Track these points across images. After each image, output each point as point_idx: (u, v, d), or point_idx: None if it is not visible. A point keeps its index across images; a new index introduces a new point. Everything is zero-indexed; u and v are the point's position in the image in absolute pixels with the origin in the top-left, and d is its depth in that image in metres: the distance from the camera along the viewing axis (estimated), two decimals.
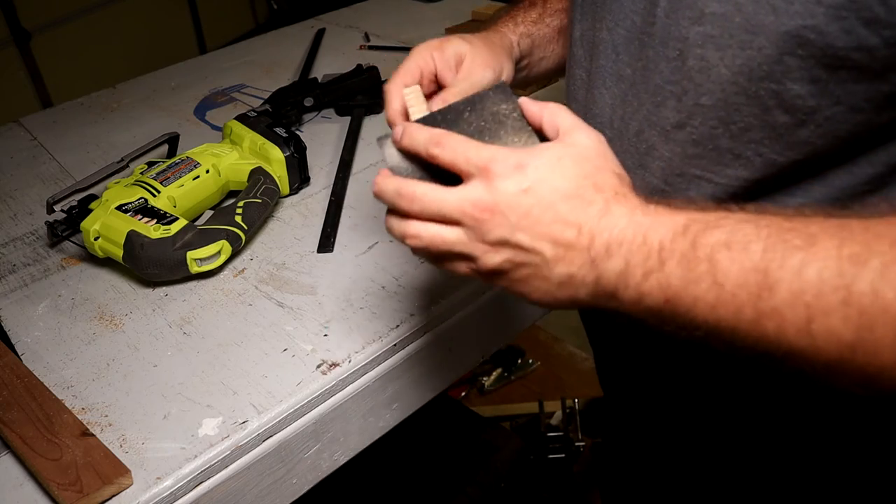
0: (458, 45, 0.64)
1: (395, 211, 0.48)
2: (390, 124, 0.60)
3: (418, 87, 0.61)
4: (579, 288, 0.44)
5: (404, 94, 0.60)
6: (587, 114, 0.57)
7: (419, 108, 0.59)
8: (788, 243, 0.37)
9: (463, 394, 1.84)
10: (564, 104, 0.57)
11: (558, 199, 0.43)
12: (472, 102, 0.49)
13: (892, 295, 0.34)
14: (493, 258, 0.44)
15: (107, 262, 0.79)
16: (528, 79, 0.74)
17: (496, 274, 0.46)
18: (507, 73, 0.66)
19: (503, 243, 0.44)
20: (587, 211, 0.43)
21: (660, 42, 0.48)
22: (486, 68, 0.62)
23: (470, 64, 0.62)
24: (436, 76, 0.63)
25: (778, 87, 0.43)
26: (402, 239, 0.47)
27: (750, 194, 0.49)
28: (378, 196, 0.48)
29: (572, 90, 0.61)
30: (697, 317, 0.40)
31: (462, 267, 0.47)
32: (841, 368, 0.36)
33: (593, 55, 0.55)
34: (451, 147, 0.46)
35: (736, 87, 0.44)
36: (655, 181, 0.52)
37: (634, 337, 0.63)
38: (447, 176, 0.47)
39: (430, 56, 0.63)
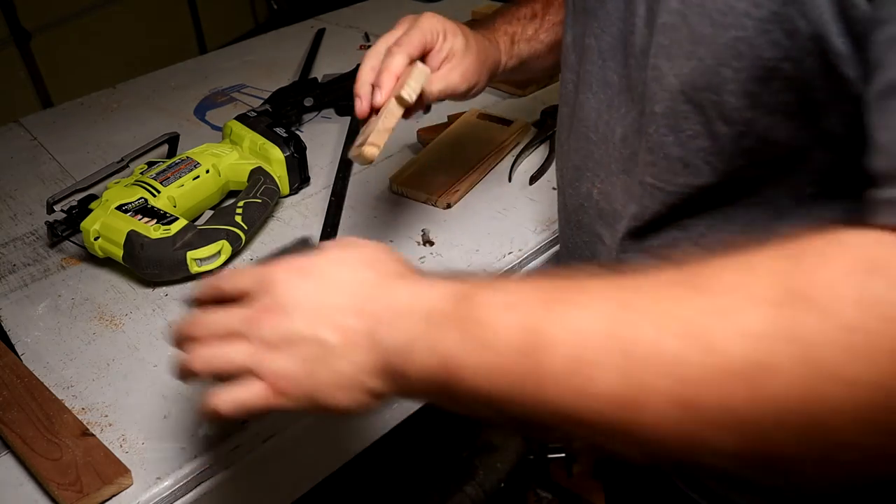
0: (456, 42, 0.65)
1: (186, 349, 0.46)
2: (357, 93, 0.64)
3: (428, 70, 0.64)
4: (372, 376, 0.40)
5: (418, 68, 0.63)
6: (574, 118, 0.58)
7: (416, 83, 0.63)
8: (567, 302, 0.35)
9: None
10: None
11: (340, 288, 0.42)
12: (275, 255, 0.50)
13: (670, 342, 0.31)
14: (277, 359, 0.41)
15: (107, 262, 0.79)
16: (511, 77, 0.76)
17: (287, 378, 0.42)
18: (477, 88, 0.70)
19: (285, 339, 0.41)
20: (369, 294, 0.41)
21: (639, 51, 0.49)
22: (463, 80, 0.67)
23: (454, 67, 0.66)
24: (425, 52, 0.66)
25: (717, 99, 0.44)
26: (186, 372, 0.46)
27: (700, 199, 0.49)
28: (175, 338, 0.48)
29: (563, 94, 0.62)
30: (480, 388, 0.36)
31: (254, 388, 0.43)
32: (619, 432, 0.33)
33: (581, 60, 0.56)
34: (234, 275, 0.45)
35: (683, 96, 0.45)
36: (635, 187, 0.53)
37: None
38: None
39: (436, 35, 0.65)
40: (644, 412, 0.32)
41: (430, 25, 0.66)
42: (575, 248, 0.63)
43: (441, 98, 0.67)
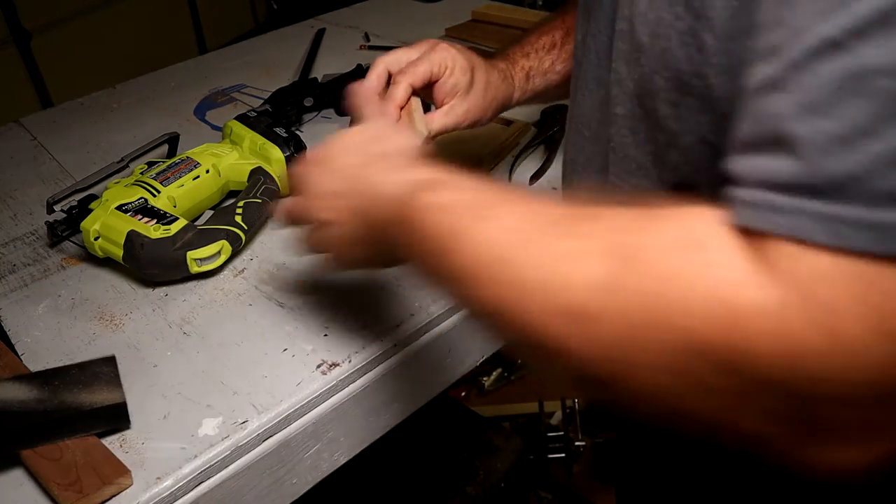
0: (462, 80, 0.68)
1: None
2: (358, 105, 0.66)
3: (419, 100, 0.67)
4: (371, 238, 0.51)
5: (412, 100, 0.66)
6: (572, 114, 0.60)
7: (420, 123, 0.66)
8: (485, 218, 0.40)
9: (463, 394, 1.84)
10: None
11: (341, 174, 0.53)
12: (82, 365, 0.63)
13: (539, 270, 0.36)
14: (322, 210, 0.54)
15: (107, 262, 0.79)
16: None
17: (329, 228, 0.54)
18: (480, 124, 0.71)
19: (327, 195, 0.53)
20: (356, 177, 0.51)
21: (627, 50, 0.50)
22: (465, 118, 0.69)
23: (457, 104, 0.68)
24: (430, 83, 0.68)
25: (653, 105, 0.45)
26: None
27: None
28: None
29: (571, 91, 0.62)
30: (420, 269, 0.45)
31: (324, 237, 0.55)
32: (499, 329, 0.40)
33: (582, 60, 0.58)
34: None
35: (637, 100, 0.47)
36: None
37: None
38: None
39: (443, 69, 0.67)
40: (514, 326, 0.38)
41: (441, 58, 0.67)
42: None
43: (440, 134, 0.69)
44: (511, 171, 0.91)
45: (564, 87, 0.76)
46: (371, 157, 0.52)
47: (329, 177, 0.53)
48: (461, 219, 0.41)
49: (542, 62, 0.73)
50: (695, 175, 0.46)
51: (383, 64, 0.68)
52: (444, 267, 0.41)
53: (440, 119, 0.68)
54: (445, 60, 0.67)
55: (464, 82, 0.67)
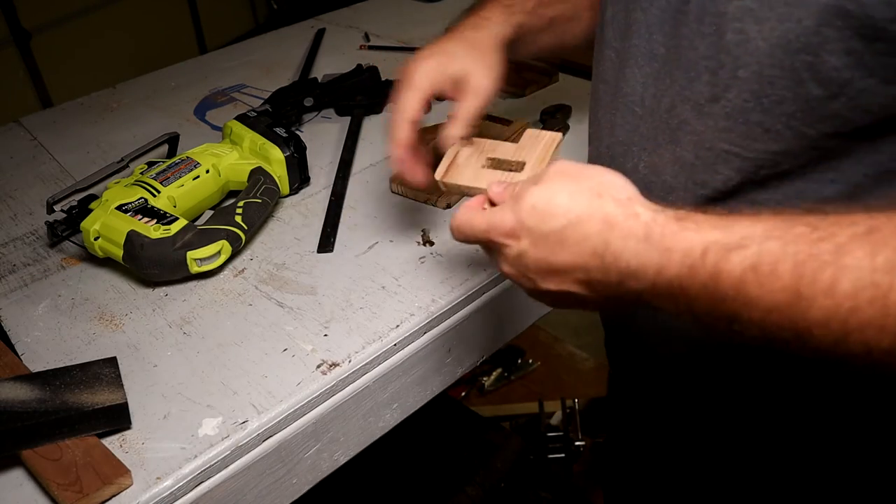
0: (457, 66, 0.66)
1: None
2: (395, 158, 0.67)
3: (466, 143, 0.66)
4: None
5: (452, 150, 0.66)
6: (617, 93, 0.58)
7: (473, 170, 0.65)
8: (818, 259, 0.37)
9: (463, 394, 1.84)
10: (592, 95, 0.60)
11: (577, 245, 0.46)
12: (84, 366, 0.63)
13: None
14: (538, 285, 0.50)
15: (107, 262, 0.79)
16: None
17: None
18: (497, 71, 0.68)
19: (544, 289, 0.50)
20: (601, 254, 0.45)
21: (695, 19, 0.49)
22: (485, 78, 0.66)
23: (475, 79, 0.66)
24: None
25: (814, 60, 0.43)
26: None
27: (777, 169, 0.49)
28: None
29: (601, 71, 0.61)
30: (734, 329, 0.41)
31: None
32: (881, 367, 0.37)
33: (626, 35, 0.56)
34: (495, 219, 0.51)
35: (772, 59, 0.45)
36: (686, 155, 0.52)
37: (650, 340, 0.63)
38: None
39: (431, 84, 0.66)
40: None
41: (420, 83, 0.67)
42: None
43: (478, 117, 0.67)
44: None
45: (550, 39, 0.74)
46: (598, 223, 0.46)
47: (559, 249, 0.47)
48: (793, 274, 0.38)
49: (524, 2, 0.71)
50: (856, 127, 0.44)
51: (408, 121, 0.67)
52: (786, 332, 0.39)
53: (469, 103, 0.66)
54: (429, 73, 0.67)
55: (458, 65, 0.66)
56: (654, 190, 0.56)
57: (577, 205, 0.46)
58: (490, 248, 0.52)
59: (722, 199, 0.51)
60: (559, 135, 0.64)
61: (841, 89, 0.43)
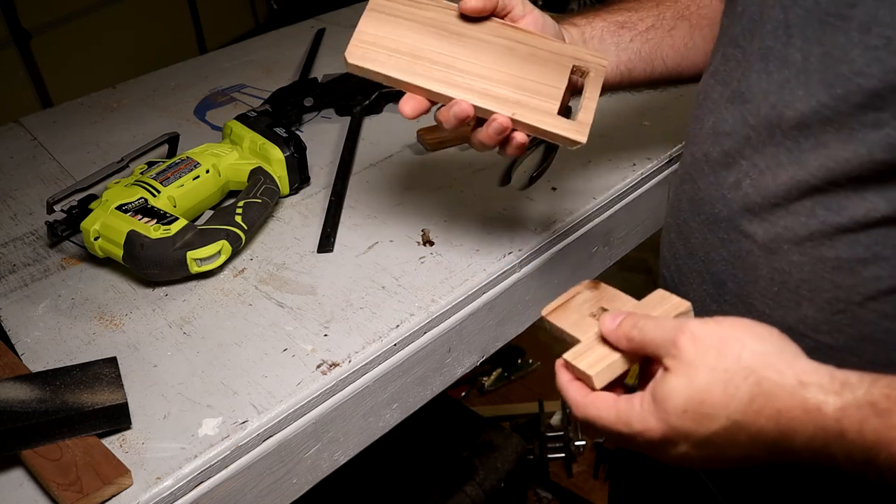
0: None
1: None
2: None
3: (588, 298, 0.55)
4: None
5: (573, 290, 0.56)
6: (734, 97, 0.52)
7: (580, 315, 0.55)
8: None
9: (463, 394, 1.84)
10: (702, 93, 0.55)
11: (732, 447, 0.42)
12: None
13: None
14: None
15: (107, 262, 0.79)
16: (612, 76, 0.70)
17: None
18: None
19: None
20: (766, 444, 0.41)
21: (858, 27, 0.43)
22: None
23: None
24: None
25: None
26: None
27: None
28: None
29: (717, 69, 0.56)
30: None
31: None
32: None
33: (756, 34, 0.50)
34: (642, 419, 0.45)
35: None
36: (813, 181, 0.47)
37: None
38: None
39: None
40: None
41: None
42: (699, 246, 0.57)
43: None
44: (511, 171, 0.91)
45: (632, 42, 0.69)
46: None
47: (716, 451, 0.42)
48: None
49: (582, 17, 0.68)
50: None
51: None
52: None
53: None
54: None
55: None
56: (753, 209, 0.51)
57: (737, 402, 0.40)
58: (635, 446, 0.46)
59: (851, 231, 0.46)
60: (689, 304, 0.51)
61: None
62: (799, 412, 0.38)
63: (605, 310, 0.54)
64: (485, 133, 0.59)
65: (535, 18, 0.62)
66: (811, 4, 0.46)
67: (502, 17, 0.62)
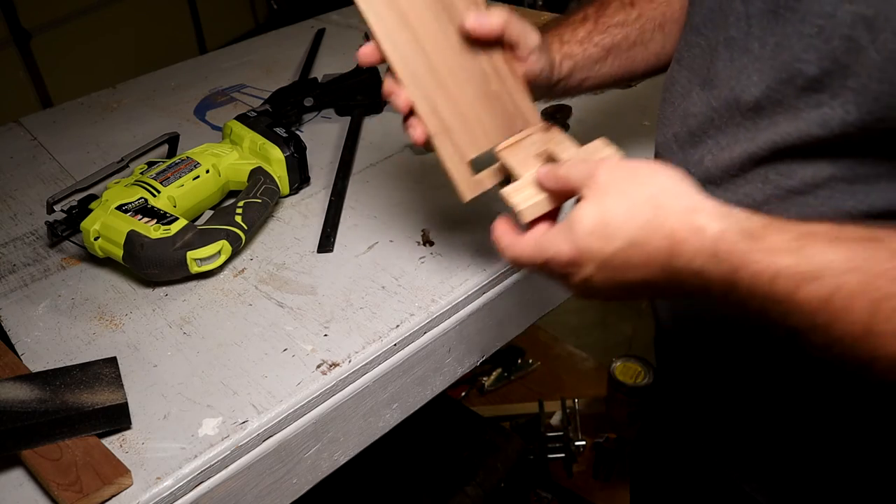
0: (535, 38, 0.62)
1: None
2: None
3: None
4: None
5: (528, 130, 0.61)
6: (706, 84, 0.55)
7: (525, 156, 0.59)
8: (887, 311, 0.37)
9: (463, 394, 1.84)
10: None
11: (633, 268, 0.46)
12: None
13: None
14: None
15: (107, 262, 0.79)
16: (566, 94, 0.72)
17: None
18: (542, 68, 0.65)
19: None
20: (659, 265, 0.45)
21: (800, 18, 0.46)
22: (529, 32, 0.62)
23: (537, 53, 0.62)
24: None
25: None
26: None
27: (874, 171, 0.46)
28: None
29: (683, 57, 0.59)
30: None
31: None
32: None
33: (720, 24, 0.53)
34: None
35: (882, 74, 0.42)
36: (765, 155, 0.51)
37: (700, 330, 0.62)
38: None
39: (519, 33, 0.61)
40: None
41: (513, 21, 0.62)
42: None
43: (509, 31, 0.61)
44: None
45: (612, 66, 0.71)
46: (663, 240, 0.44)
47: (614, 273, 0.46)
48: (874, 308, 0.37)
49: (575, 31, 0.69)
50: None
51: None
52: (865, 354, 0.38)
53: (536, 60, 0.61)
54: (525, 25, 0.63)
55: (535, 40, 0.63)
56: (715, 181, 0.54)
57: (636, 222, 0.44)
58: (551, 274, 0.50)
59: (801, 193, 0.49)
60: (621, 154, 0.56)
61: None
62: (686, 233, 0.43)
63: (550, 154, 0.57)
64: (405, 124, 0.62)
65: (532, 63, 0.63)
66: (779, 2, 0.48)
67: (504, 47, 0.62)
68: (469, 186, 0.62)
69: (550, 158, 0.58)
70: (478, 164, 0.64)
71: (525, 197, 0.54)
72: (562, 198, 0.53)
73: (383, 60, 0.60)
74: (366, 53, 0.60)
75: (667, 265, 0.44)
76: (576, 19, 0.71)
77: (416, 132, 0.61)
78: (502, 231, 0.54)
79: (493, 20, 0.59)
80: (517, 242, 0.51)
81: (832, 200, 0.48)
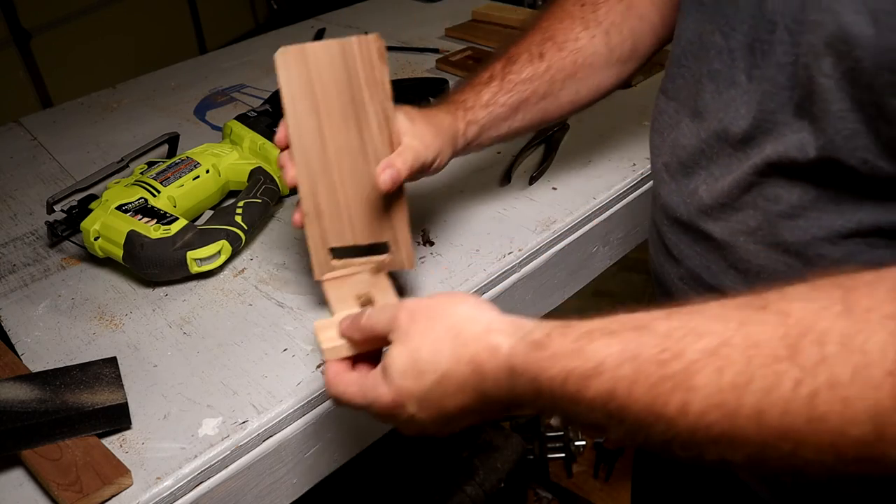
0: (398, 119, 0.63)
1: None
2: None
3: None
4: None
5: (365, 267, 0.65)
6: (696, 116, 0.57)
7: (347, 294, 0.62)
8: (670, 380, 0.37)
9: None
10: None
11: (444, 411, 0.48)
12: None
13: (777, 415, 0.34)
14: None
15: (107, 262, 0.79)
16: (479, 149, 0.74)
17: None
18: (441, 159, 0.67)
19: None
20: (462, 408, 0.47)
21: (776, 49, 0.48)
22: (425, 147, 0.64)
23: (412, 137, 0.63)
24: None
25: (878, 100, 0.42)
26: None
27: (854, 193, 0.47)
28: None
29: (671, 88, 0.60)
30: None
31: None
32: (744, 470, 0.38)
33: (701, 57, 0.55)
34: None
35: (842, 93, 0.43)
36: (745, 177, 0.52)
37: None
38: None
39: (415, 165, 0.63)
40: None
41: None
42: (672, 246, 0.61)
43: (413, 172, 0.63)
44: (511, 171, 0.91)
45: (520, 122, 0.72)
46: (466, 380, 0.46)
47: (428, 413, 0.48)
48: (652, 393, 0.38)
49: (479, 96, 0.70)
50: None
51: None
52: (659, 436, 0.39)
53: (407, 153, 0.62)
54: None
55: (401, 120, 0.63)
56: (709, 212, 0.55)
57: (443, 354, 0.46)
58: (377, 416, 0.52)
59: (790, 216, 0.50)
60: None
61: None
62: (485, 354, 0.45)
63: (369, 297, 0.59)
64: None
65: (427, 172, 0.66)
66: (747, 30, 0.50)
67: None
68: (322, 269, 0.65)
69: (367, 302, 0.60)
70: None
71: (331, 336, 0.55)
72: (368, 346, 0.54)
73: (287, 141, 0.64)
74: (279, 139, 0.64)
75: (478, 388, 0.45)
76: (482, 80, 0.72)
77: (295, 216, 0.64)
78: (327, 364, 0.55)
79: (397, 174, 0.61)
80: (342, 380, 0.52)
81: (821, 221, 0.49)
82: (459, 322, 0.47)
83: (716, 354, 0.36)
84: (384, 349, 0.52)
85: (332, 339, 0.54)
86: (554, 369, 0.41)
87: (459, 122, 0.69)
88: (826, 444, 0.34)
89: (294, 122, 0.62)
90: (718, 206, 0.54)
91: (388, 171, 0.60)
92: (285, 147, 0.64)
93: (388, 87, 0.61)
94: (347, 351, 0.54)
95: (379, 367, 0.50)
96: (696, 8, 0.55)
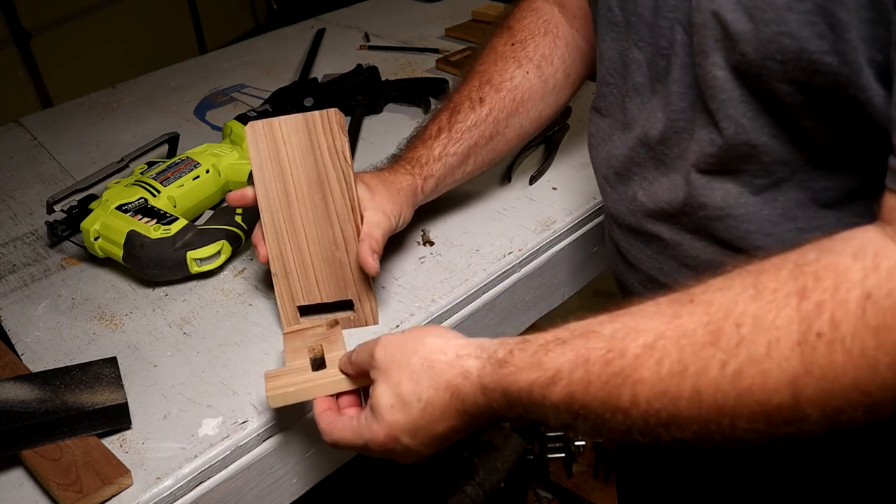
0: (359, 192, 0.67)
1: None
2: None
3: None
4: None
5: (327, 323, 0.67)
6: (625, 127, 0.60)
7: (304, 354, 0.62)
8: (618, 376, 0.41)
9: None
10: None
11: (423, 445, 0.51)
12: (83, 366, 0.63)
13: (711, 395, 0.38)
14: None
15: (107, 262, 0.79)
16: (436, 195, 0.78)
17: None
18: (404, 218, 0.71)
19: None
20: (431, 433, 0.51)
21: (681, 52, 0.51)
22: (386, 217, 0.68)
23: (372, 211, 0.67)
24: None
25: (769, 87, 0.45)
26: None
27: (772, 178, 0.50)
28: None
29: (602, 105, 0.63)
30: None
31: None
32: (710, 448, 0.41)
33: (625, 74, 0.58)
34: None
35: (735, 82, 0.47)
36: (680, 181, 0.55)
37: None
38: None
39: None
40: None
41: None
42: (627, 252, 0.64)
43: (384, 242, 0.68)
44: (511, 171, 0.91)
45: (469, 164, 0.76)
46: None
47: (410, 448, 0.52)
48: (606, 390, 0.42)
49: (431, 150, 0.74)
50: (832, 127, 0.46)
51: None
52: (621, 427, 0.42)
53: (374, 229, 0.66)
54: None
55: (362, 192, 0.67)
56: (656, 216, 0.58)
57: (422, 385, 0.49)
58: (375, 454, 0.54)
59: (720, 217, 0.53)
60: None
61: (804, 110, 0.45)
62: (459, 379, 0.48)
63: (320, 350, 0.62)
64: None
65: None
66: (659, 44, 0.53)
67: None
68: (289, 323, 0.69)
69: (318, 355, 0.62)
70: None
71: (276, 385, 0.57)
72: (363, 381, 0.57)
73: (255, 202, 0.67)
74: (237, 196, 0.68)
75: (461, 410, 0.49)
76: (431, 133, 0.75)
77: (260, 250, 0.67)
78: (322, 410, 0.57)
79: (378, 255, 0.66)
80: (336, 427, 0.55)
81: (748, 216, 0.52)
82: (431, 353, 0.50)
83: (654, 348, 0.40)
84: (360, 389, 0.57)
85: (278, 388, 0.57)
86: (519, 382, 0.45)
87: (417, 179, 0.73)
88: (757, 414, 0.37)
89: (262, 189, 0.67)
90: (660, 210, 0.57)
91: (374, 257, 0.65)
92: (241, 205, 0.69)
93: (348, 155, 0.66)
94: (294, 399, 0.57)
95: (367, 408, 0.53)
96: (612, 29, 0.59)
